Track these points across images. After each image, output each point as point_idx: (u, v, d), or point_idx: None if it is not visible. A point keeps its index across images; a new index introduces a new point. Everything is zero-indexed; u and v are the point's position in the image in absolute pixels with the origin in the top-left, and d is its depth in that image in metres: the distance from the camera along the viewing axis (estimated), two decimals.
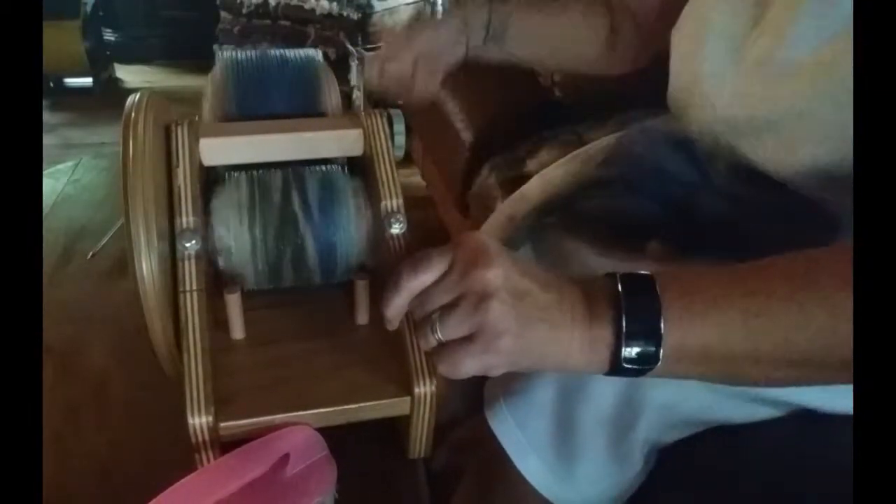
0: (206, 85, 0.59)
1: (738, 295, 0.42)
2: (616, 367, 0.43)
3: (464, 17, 0.74)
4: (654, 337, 0.41)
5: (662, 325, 0.41)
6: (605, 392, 0.49)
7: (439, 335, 0.43)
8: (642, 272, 0.43)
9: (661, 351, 0.41)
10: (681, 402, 0.49)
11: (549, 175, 0.75)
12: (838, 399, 0.51)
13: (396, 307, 0.45)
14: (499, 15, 0.75)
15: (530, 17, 0.74)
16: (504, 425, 0.54)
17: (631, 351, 0.42)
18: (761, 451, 0.51)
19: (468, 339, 0.42)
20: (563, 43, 0.76)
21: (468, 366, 0.43)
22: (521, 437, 0.54)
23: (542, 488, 0.54)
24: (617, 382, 0.51)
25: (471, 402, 0.64)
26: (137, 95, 0.48)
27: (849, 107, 0.46)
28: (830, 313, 0.40)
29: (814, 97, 0.52)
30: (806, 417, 0.51)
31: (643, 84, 0.75)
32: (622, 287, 0.42)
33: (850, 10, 0.49)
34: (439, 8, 2.59)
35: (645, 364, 0.42)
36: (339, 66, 2.23)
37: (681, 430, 0.53)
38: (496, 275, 0.41)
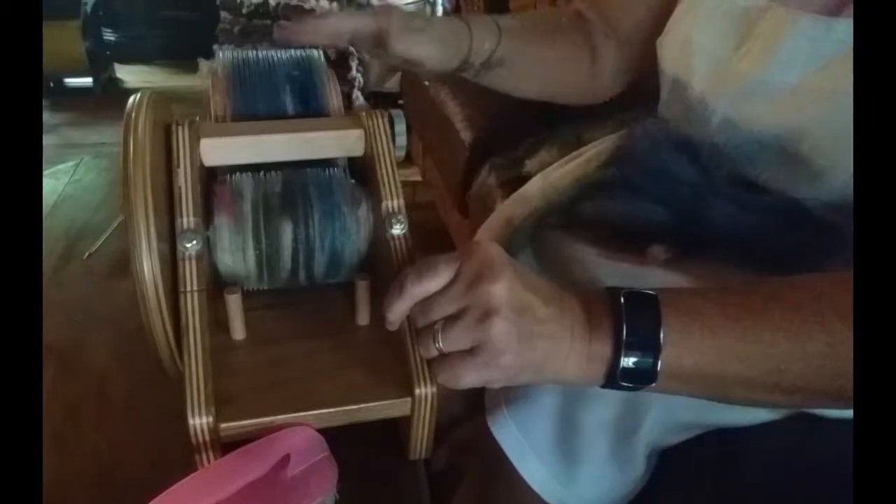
0: (202, 84, 0.59)
1: (736, 319, 0.42)
2: (611, 378, 0.43)
3: (469, 31, 0.64)
4: (651, 349, 0.42)
5: (661, 337, 0.41)
6: (609, 395, 0.49)
7: (440, 345, 0.43)
8: (646, 290, 0.44)
9: (658, 364, 0.42)
10: (683, 405, 0.49)
11: (549, 176, 0.75)
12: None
13: (398, 312, 0.45)
14: (506, 44, 0.68)
15: (524, 48, 0.70)
16: (505, 430, 0.54)
17: (628, 361, 0.42)
18: (761, 454, 0.51)
19: (469, 352, 0.43)
20: (552, 76, 0.73)
21: (468, 378, 0.43)
22: (523, 441, 0.54)
23: (543, 492, 0.54)
24: None
25: (471, 402, 0.64)
26: (138, 95, 0.48)
27: (846, 134, 0.46)
28: (828, 347, 0.40)
29: (807, 121, 0.52)
30: (806, 420, 0.51)
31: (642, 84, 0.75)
32: (624, 301, 0.43)
33: (845, 35, 0.49)
34: (439, 8, 2.58)
35: (640, 379, 0.43)
36: (339, 66, 2.23)
37: (682, 433, 0.53)
38: (501, 289, 0.41)
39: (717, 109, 0.58)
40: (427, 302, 0.44)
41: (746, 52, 0.55)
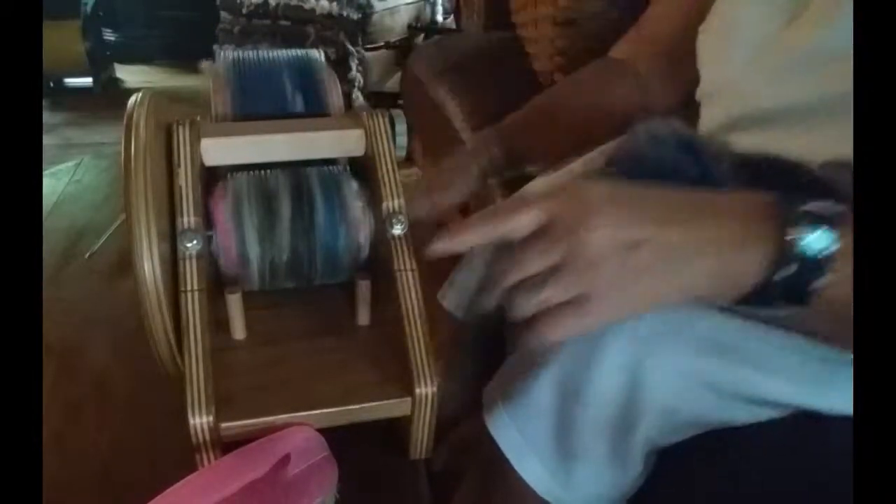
0: (203, 84, 0.59)
1: None
2: (783, 254, 0.38)
3: (478, 165, 0.69)
4: (832, 224, 0.37)
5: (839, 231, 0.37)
6: (607, 394, 0.49)
7: (539, 297, 0.39)
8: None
9: (836, 246, 0.37)
10: (682, 404, 0.49)
11: (550, 177, 0.74)
12: (838, 400, 0.51)
13: (462, 243, 0.42)
14: (511, 141, 0.69)
15: (546, 117, 0.67)
16: (503, 429, 0.54)
17: (804, 235, 0.37)
18: (761, 453, 0.51)
19: (570, 303, 0.39)
20: (598, 115, 0.70)
21: (571, 330, 0.40)
22: (521, 440, 0.53)
23: (541, 490, 0.54)
24: (618, 385, 0.51)
25: (471, 401, 0.64)
26: (139, 95, 0.48)
27: None
28: None
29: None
30: (806, 418, 0.51)
31: None
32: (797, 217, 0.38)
33: None
34: (439, 8, 2.59)
35: (814, 264, 0.37)
36: (339, 66, 2.23)
37: (681, 433, 0.53)
38: (603, 234, 0.38)
39: (759, 80, 0.57)
40: (518, 256, 0.40)
41: (799, 25, 0.55)
